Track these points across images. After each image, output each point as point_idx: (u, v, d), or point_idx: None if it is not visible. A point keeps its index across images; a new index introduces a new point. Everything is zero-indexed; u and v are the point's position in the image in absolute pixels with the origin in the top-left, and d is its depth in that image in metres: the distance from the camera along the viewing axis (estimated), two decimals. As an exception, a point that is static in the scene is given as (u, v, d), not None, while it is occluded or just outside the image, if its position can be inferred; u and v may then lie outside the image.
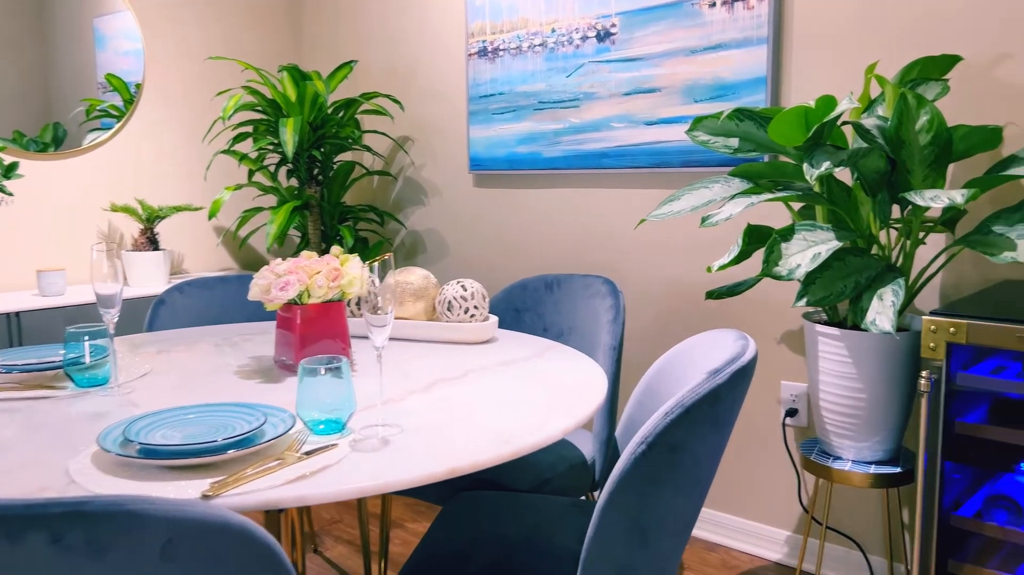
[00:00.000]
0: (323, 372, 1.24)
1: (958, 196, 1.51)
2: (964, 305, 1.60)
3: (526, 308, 2.28)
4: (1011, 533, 1.50)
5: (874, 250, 1.90)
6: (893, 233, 2.09)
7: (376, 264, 1.28)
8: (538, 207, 2.82)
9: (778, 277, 1.64)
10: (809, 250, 1.67)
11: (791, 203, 2.19)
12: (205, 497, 1.02)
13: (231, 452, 1.11)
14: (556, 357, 1.74)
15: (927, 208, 1.75)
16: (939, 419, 1.54)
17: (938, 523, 1.58)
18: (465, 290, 1.88)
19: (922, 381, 1.53)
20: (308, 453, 1.16)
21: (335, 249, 1.68)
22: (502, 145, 2.87)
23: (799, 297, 1.68)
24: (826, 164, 1.63)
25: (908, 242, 1.79)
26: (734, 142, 1.96)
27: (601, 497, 1.22)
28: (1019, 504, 1.51)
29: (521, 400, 1.42)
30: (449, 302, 1.87)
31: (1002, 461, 1.54)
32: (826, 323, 1.92)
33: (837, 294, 1.68)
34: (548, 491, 1.80)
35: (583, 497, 2.02)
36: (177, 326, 2.26)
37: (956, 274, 2.00)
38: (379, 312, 1.26)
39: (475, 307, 1.87)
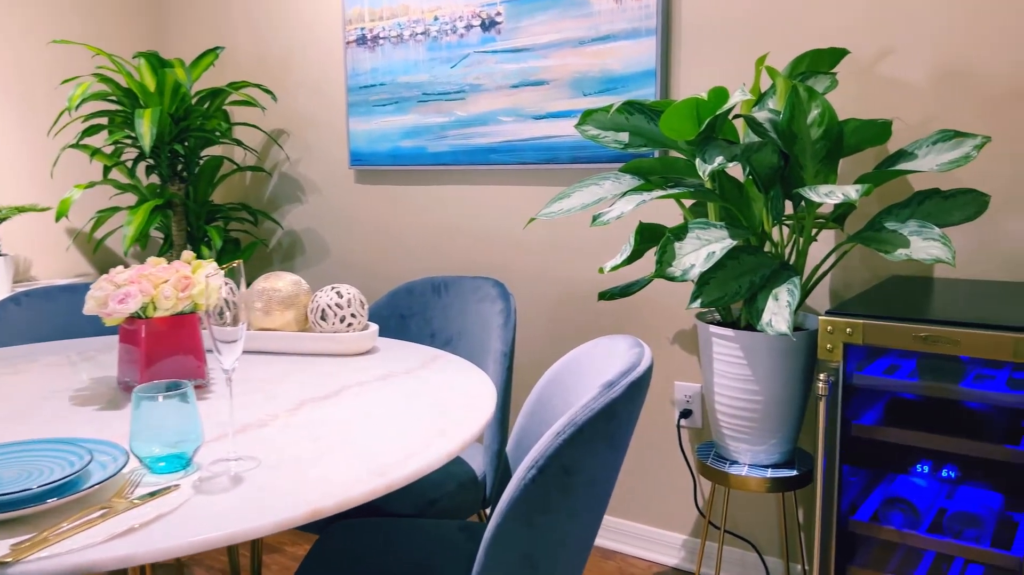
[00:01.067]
0: (161, 398, 1.06)
1: (852, 192, 1.46)
2: (856, 303, 1.56)
3: (412, 313, 2.13)
4: (908, 536, 1.47)
5: (767, 247, 1.86)
6: (785, 230, 2.06)
7: (223, 272, 1.11)
8: (425, 205, 2.67)
9: (672, 278, 1.56)
10: (703, 249, 1.59)
11: (682, 200, 2.13)
12: (2, 564, 0.83)
13: (45, 503, 0.93)
14: (442, 368, 1.60)
15: (820, 204, 1.71)
16: (837, 422, 1.50)
17: (837, 529, 1.53)
18: (340, 296, 1.71)
19: (820, 384, 1.48)
20: (144, 498, 0.99)
21: (186, 254, 1.48)
22: (385, 139, 2.70)
23: (693, 298, 1.60)
24: (719, 159, 1.56)
25: (801, 239, 1.75)
26: (624, 137, 1.87)
27: (488, 529, 1.10)
28: (915, 506, 1.48)
29: (401, 420, 1.28)
30: (323, 310, 1.70)
31: (898, 462, 1.51)
32: (719, 323, 1.86)
33: (732, 294, 1.61)
34: (435, 512, 1.66)
35: (475, 514, 1.89)
36: (12, 343, 2.00)
37: (846, 270, 1.98)
38: (228, 326, 1.09)
39: (352, 315, 1.71)
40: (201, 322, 1.49)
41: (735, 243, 1.60)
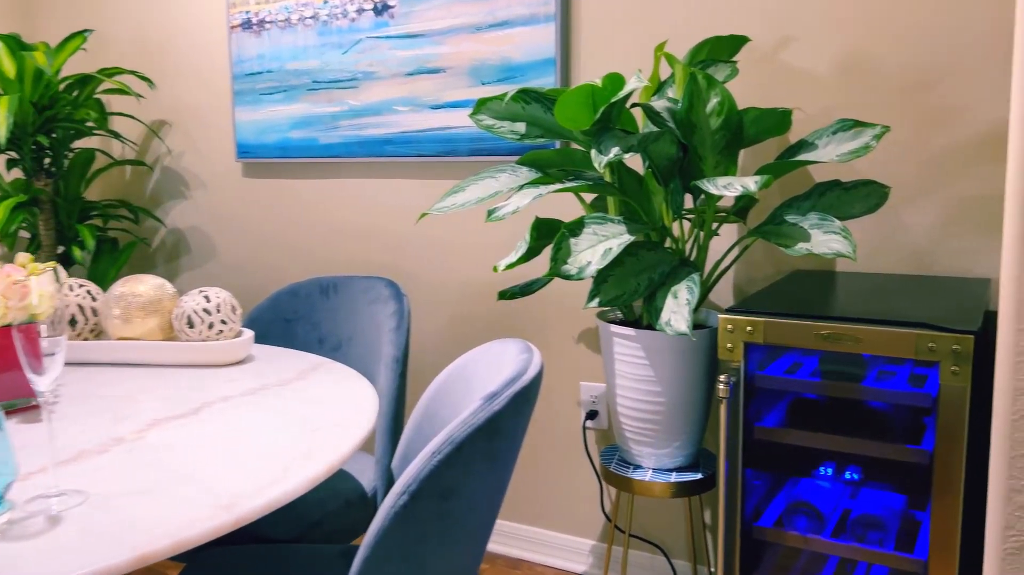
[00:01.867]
0: (-37, 431, 0.90)
1: (751, 184, 1.39)
2: (758, 299, 1.50)
3: (298, 317, 1.98)
4: (813, 542, 1.42)
5: (668, 243, 1.79)
6: (687, 224, 2.00)
7: (44, 274, 0.95)
8: (317, 200, 2.52)
9: (568, 276, 1.46)
10: (600, 245, 1.50)
11: (582, 194, 2.04)
12: None
13: None
14: (322, 378, 1.47)
15: (720, 197, 1.65)
16: (739, 426, 1.43)
17: (741, 535, 1.47)
18: (208, 301, 1.56)
19: (720, 386, 1.41)
20: (-68, 549, 0.83)
21: (21, 256, 1.31)
22: (273, 130, 2.54)
23: (591, 297, 1.51)
24: (615, 150, 1.48)
25: (702, 234, 1.69)
26: (521, 127, 1.77)
27: (355, 562, 0.98)
28: (819, 510, 1.43)
29: (264, 441, 1.14)
30: (188, 317, 1.54)
31: (801, 466, 1.46)
32: (621, 322, 1.78)
33: (631, 293, 1.53)
34: (319, 535, 1.53)
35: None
36: None
37: (749, 265, 1.93)
38: (46, 337, 0.94)
39: (223, 321, 1.56)
40: (40, 334, 1.32)
41: (633, 238, 1.51)
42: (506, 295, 1.88)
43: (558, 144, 2.07)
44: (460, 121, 2.23)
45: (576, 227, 1.52)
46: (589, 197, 2.03)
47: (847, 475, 1.42)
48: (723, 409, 1.42)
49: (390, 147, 2.34)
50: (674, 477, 1.70)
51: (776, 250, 1.90)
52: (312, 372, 1.51)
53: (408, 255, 2.38)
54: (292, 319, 1.97)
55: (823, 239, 1.39)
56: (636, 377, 1.69)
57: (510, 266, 1.58)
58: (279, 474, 1.03)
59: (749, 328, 1.39)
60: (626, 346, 1.69)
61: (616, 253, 1.48)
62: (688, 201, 1.95)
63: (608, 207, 1.78)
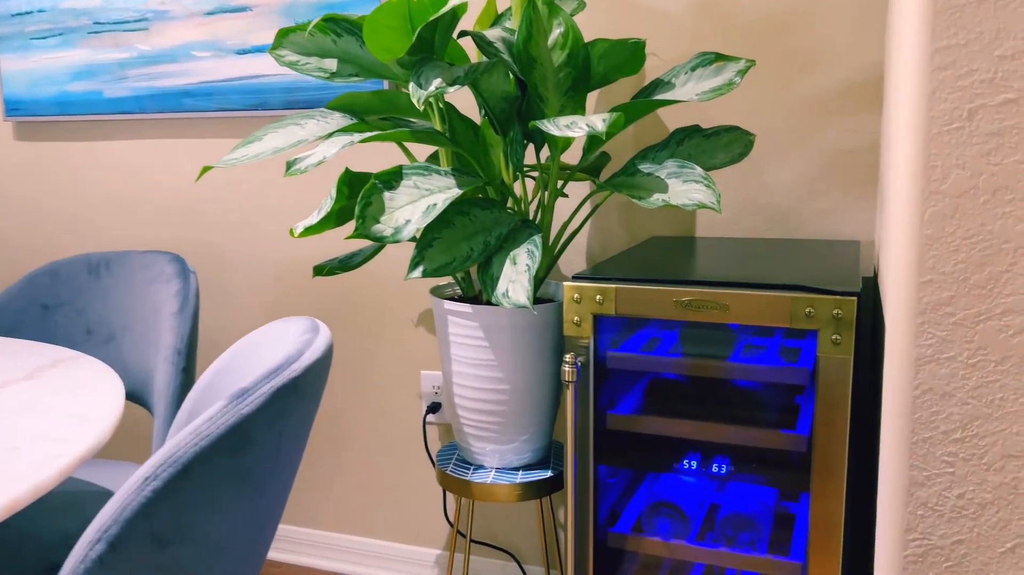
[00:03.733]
0: None
1: (599, 122, 1.15)
2: (608, 266, 1.27)
3: (59, 303, 1.60)
4: (677, 548, 1.20)
5: (509, 204, 1.53)
6: (531, 184, 1.76)
7: None
8: (104, 165, 2.11)
9: (380, 239, 1.18)
10: (422, 200, 1.23)
11: (410, 146, 1.77)
12: None
13: None
14: (59, 378, 1.12)
15: (566, 145, 1.41)
16: (589, 414, 1.19)
17: (594, 543, 1.24)
18: (-98, 280, 1.17)
19: (566, 367, 1.17)
20: None
21: None
22: (49, 82, 2.11)
23: (413, 265, 1.23)
24: (437, 82, 1.20)
25: (547, 192, 1.44)
26: (331, 64, 1.46)
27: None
28: (682, 510, 1.22)
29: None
30: None
31: (662, 459, 1.24)
32: (460, 299, 1.52)
33: (462, 259, 1.26)
34: (60, 581, 1.18)
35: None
36: None
37: (602, 232, 1.71)
38: None
39: (-76, 306, 1.18)
40: None
41: (462, 192, 1.25)
42: (323, 271, 1.57)
43: (386, 85, 1.78)
44: (271, 68, 1.90)
45: (392, 178, 1.24)
46: (423, 155, 1.76)
47: (714, 467, 1.21)
48: (569, 395, 1.18)
49: (189, 100, 1.97)
50: (520, 477, 1.46)
51: (631, 216, 1.68)
52: (50, 370, 1.16)
53: (212, 226, 2.02)
54: (52, 305, 1.58)
55: (682, 189, 1.17)
56: (475, 362, 1.43)
57: (310, 230, 1.28)
58: (-80, 520, 0.70)
59: (599, 297, 1.16)
60: (462, 325, 1.43)
61: (441, 209, 1.21)
62: (532, 157, 1.71)
63: (441, 163, 1.51)
